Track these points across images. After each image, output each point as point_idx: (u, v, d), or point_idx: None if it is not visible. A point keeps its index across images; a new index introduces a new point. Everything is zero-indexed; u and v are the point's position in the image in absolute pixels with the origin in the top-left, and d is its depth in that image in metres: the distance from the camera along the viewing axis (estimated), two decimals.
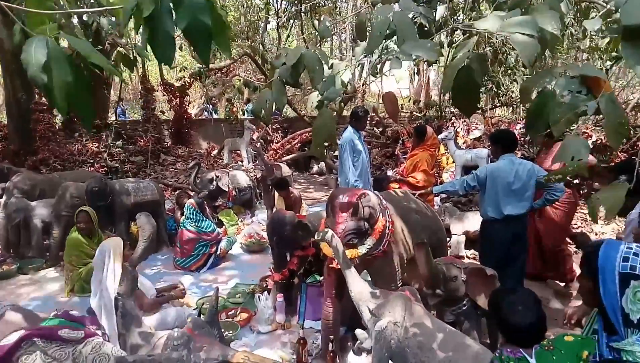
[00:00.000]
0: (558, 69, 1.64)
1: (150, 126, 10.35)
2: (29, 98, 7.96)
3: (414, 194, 4.03)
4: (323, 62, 2.06)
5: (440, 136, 6.25)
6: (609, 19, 1.99)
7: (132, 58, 3.53)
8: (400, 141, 9.29)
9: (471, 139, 7.83)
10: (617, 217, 6.24)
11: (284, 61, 2.06)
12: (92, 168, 8.24)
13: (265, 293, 3.98)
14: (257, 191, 7.31)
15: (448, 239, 4.81)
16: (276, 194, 6.04)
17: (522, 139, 7.09)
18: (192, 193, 6.18)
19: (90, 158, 8.71)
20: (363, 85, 15.18)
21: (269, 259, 4.82)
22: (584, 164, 1.46)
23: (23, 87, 7.90)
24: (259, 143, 10.29)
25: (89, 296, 4.25)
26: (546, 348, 1.69)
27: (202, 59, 1.41)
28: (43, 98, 8.41)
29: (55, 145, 8.36)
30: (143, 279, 3.79)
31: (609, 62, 6.88)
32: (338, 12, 13.62)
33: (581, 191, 6.91)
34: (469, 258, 5.08)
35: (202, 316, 3.61)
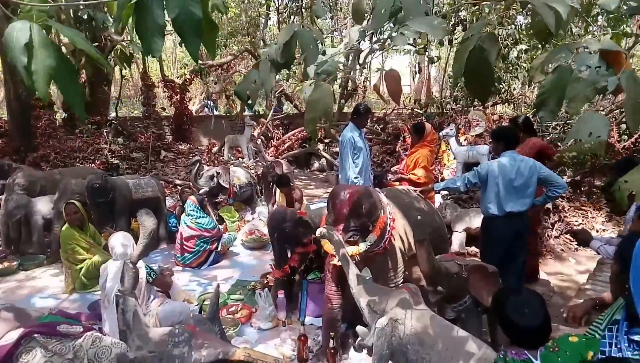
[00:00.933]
0: (575, 44, 1.55)
1: (150, 122, 10.34)
2: (30, 94, 7.94)
3: (415, 191, 4.02)
4: (318, 42, 1.91)
5: (442, 133, 6.24)
6: None
7: (128, 54, 3.53)
8: (401, 138, 9.28)
9: (472, 135, 7.81)
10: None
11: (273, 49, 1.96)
12: (92, 165, 8.22)
13: (266, 289, 3.98)
14: (258, 187, 7.30)
15: (449, 236, 4.81)
16: (277, 190, 6.04)
17: None
18: (195, 190, 6.18)
19: (90, 154, 8.70)
20: (364, 81, 15.15)
21: (270, 256, 4.83)
22: (602, 142, 1.38)
23: (23, 82, 7.88)
24: (259, 140, 10.28)
25: (90, 293, 4.32)
26: (551, 350, 1.67)
27: (191, 53, 1.37)
28: None
29: (55, 141, 8.35)
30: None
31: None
32: (339, 8, 13.57)
33: (582, 188, 6.91)
34: (470, 255, 5.07)
35: (203, 312, 3.61)
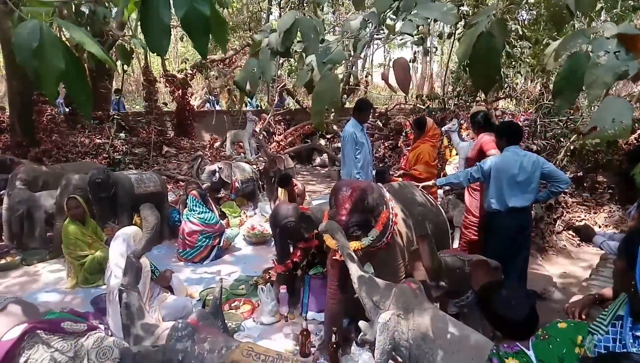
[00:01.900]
0: (591, 29, 1.50)
1: (152, 117, 10.33)
2: (32, 90, 7.94)
3: (417, 186, 4.02)
4: (319, 30, 1.86)
5: (444, 128, 6.20)
6: None
7: (129, 50, 3.51)
8: (404, 133, 9.25)
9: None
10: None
11: (267, 35, 1.92)
12: (94, 160, 8.24)
13: (269, 284, 3.99)
14: (260, 183, 7.30)
15: (451, 231, 4.79)
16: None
17: (527, 130, 7.05)
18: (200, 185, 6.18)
19: (92, 149, 8.71)
20: (366, 76, 15.12)
21: (272, 251, 4.83)
22: (627, 127, 1.31)
23: (25, 78, 7.87)
24: (261, 135, 10.27)
25: (93, 287, 4.33)
26: (542, 338, 1.70)
27: (199, 50, 1.36)
28: None
29: (58, 136, 8.36)
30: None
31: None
32: (341, 3, 13.51)
33: (585, 184, 6.90)
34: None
35: (205, 307, 3.62)
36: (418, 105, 10.50)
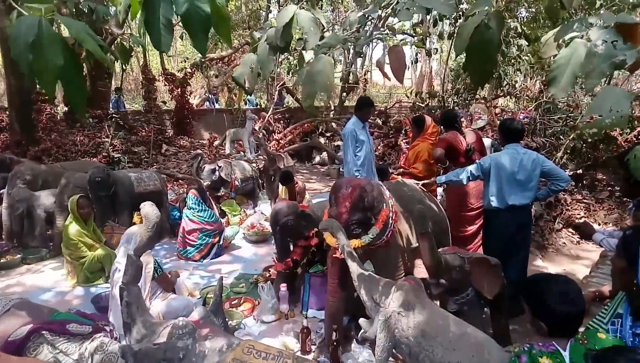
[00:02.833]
0: (590, 19, 1.48)
1: (151, 116, 10.34)
2: (31, 88, 7.94)
3: (417, 184, 4.02)
4: (319, 25, 1.82)
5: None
6: None
7: (128, 48, 3.50)
8: (403, 131, 9.26)
9: (474, 129, 7.79)
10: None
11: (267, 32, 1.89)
12: (94, 159, 8.23)
13: (269, 282, 3.99)
14: (260, 181, 7.30)
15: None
16: (280, 184, 6.04)
17: (527, 128, 7.06)
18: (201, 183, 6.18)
19: (92, 148, 8.71)
20: (365, 74, 15.11)
21: (272, 249, 4.84)
22: (625, 116, 1.30)
23: (24, 77, 7.87)
24: (261, 133, 10.27)
25: (93, 286, 4.33)
26: (580, 342, 1.64)
27: (199, 48, 1.37)
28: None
29: (57, 135, 8.35)
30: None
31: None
32: (340, 1, 13.50)
33: (584, 181, 6.90)
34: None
35: (206, 305, 3.63)
36: (417, 103, 10.50)
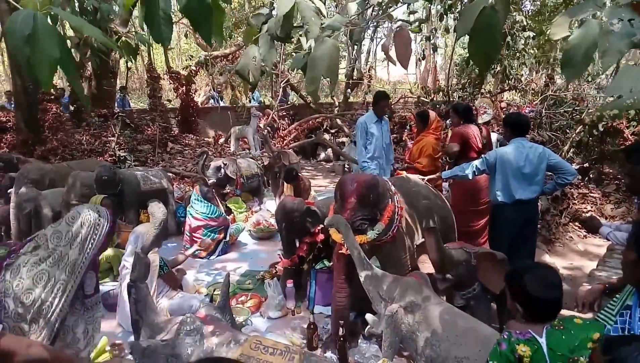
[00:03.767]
0: None
1: (157, 114, 10.36)
2: (36, 87, 7.98)
3: (422, 179, 4.02)
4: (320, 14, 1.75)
5: (449, 121, 6.18)
6: None
7: (134, 46, 3.51)
8: (408, 127, 9.24)
9: (480, 123, 7.76)
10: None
11: (263, 18, 1.86)
12: (100, 157, 8.27)
13: (275, 279, 4.01)
14: (265, 178, 7.31)
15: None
16: (285, 181, 6.05)
17: (533, 122, 7.03)
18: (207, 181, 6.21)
19: (98, 147, 8.75)
20: (369, 70, 15.08)
21: (278, 246, 4.84)
22: None
23: (30, 76, 7.91)
24: (265, 130, 10.27)
25: (101, 284, 4.35)
26: (557, 327, 1.69)
27: (204, 37, 1.38)
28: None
29: (63, 135, 8.39)
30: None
31: None
32: None
33: (591, 175, 6.87)
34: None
35: (213, 302, 3.65)
36: (422, 98, 10.47)
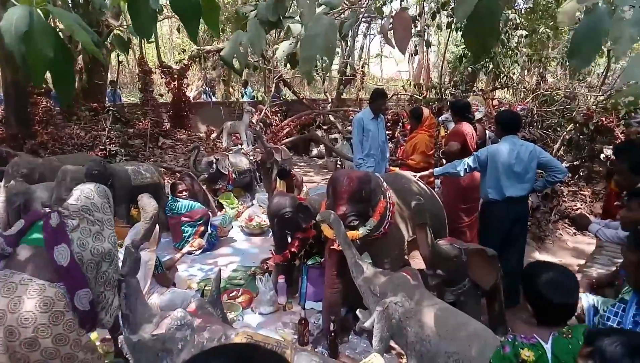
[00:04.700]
0: None
1: (148, 109, 10.28)
2: (26, 81, 7.88)
3: (414, 176, 4.03)
4: None
5: (441, 118, 6.22)
6: None
7: (125, 39, 3.48)
8: (400, 124, 9.25)
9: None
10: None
11: (253, 7, 1.78)
12: (90, 152, 8.20)
13: (267, 274, 4.01)
14: (257, 174, 7.29)
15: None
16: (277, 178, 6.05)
17: (524, 120, 7.07)
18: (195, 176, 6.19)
19: (88, 141, 8.67)
20: (362, 67, 15.08)
21: (270, 241, 4.85)
22: None
23: (20, 69, 7.82)
24: (258, 126, 10.24)
25: None
26: (564, 335, 1.66)
27: (191, 35, 1.37)
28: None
29: (53, 128, 8.31)
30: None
31: None
32: None
33: (581, 173, 6.93)
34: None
35: (204, 298, 3.64)
36: (415, 95, 10.49)
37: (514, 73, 9.94)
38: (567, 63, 9.12)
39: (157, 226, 3.23)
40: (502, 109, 7.60)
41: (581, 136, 6.86)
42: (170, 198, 5.24)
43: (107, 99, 10.85)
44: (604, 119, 6.84)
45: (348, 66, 13.39)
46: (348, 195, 3.00)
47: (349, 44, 13.48)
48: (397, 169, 5.06)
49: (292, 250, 3.85)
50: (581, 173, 6.96)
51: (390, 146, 8.98)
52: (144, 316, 2.31)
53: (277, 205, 3.84)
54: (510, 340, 1.72)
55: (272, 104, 11.75)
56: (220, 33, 13.02)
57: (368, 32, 17.28)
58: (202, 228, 5.12)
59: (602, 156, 5.44)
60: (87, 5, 3.83)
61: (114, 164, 5.74)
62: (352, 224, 3.01)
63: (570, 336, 1.64)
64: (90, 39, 1.43)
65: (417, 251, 3.12)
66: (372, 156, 5.04)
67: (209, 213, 5.40)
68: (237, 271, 4.55)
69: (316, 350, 3.13)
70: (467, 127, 4.51)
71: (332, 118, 11.34)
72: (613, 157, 5.03)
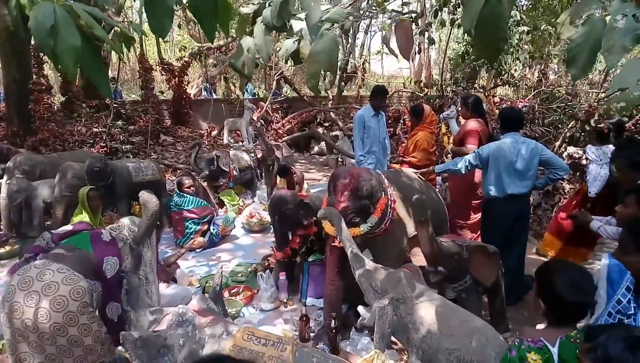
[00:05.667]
0: None
1: (149, 106, 10.28)
2: (27, 78, 7.88)
3: (415, 173, 4.02)
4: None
5: (442, 115, 6.20)
6: None
7: (128, 36, 3.48)
8: (401, 121, 9.24)
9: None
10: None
11: (255, 7, 1.81)
12: (92, 149, 8.20)
13: (268, 271, 4.01)
14: (258, 171, 7.29)
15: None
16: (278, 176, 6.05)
17: (526, 117, 7.05)
18: (196, 173, 6.20)
19: (89, 138, 8.67)
20: (363, 64, 15.05)
21: (271, 238, 4.85)
22: None
23: (21, 67, 7.82)
24: (259, 123, 10.23)
25: None
26: (572, 340, 1.63)
27: (208, 33, 1.37)
28: (41, 78, 8.34)
29: (54, 125, 8.31)
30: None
31: None
32: None
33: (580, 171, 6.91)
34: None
35: (205, 294, 3.64)
36: (416, 92, 10.47)
37: (515, 70, 9.92)
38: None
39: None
40: (504, 106, 7.59)
41: (583, 133, 6.84)
42: (176, 193, 5.25)
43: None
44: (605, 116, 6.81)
45: (349, 63, 13.36)
46: (349, 192, 3.00)
47: (349, 40, 13.45)
48: (398, 166, 5.06)
49: (293, 246, 3.85)
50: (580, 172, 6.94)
51: (391, 143, 9.00)
52: (145, 313, 2.32)
53: (278, 202, 3.84)
54: (516, 343, 1.71)
55: (273, 101, 11.74)
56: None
57: (369, 29, 17.25)
58: (205, 227, 5.13)
59: (564, 154, 5.43)
60: (89, 2, 3.83)
61: (115, 161, 5.74)
62: (353, 221, 3.01)
63: (578, 341, 1.61)
64: (109, 41, 1.47)
65: (418, 248, 3.12)
66: (373, 153, 5.04)
67: (214, 212, 5.42)
68: (238, 267, 4.55)
69: (317, 346, 3.12)
70: (480, 126, 4.45)
71: (333, 115, 11.33)
72: (576, 155, 5.06)
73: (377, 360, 2.35)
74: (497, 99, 8.83)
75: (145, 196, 2.68)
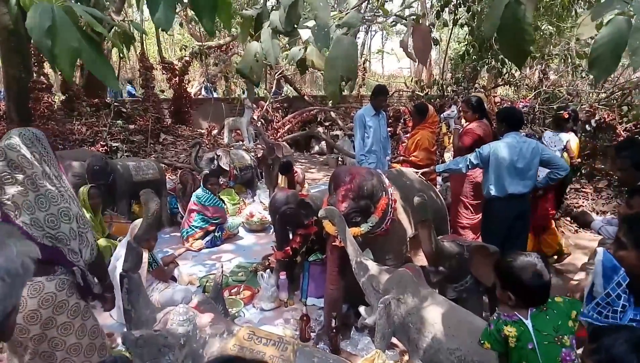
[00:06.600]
0: None
1: (149, 105, 10.27)
2: (28, 77, 7.87)
3: (416, 172, 4.02)
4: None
5: (443, 115, 6.19)
6: None
7: (129, 34, 3.48)
8: (402, 120, 9.23)
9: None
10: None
11: (259, 9, 1.79)
12: (92, 147, 8.19)
13: (268, 271, 4.01)
14: (259, 170, 7.29)
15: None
16: (279, 173, 6.05)
17: (526, 117, 7.05)
18: (196, 172, 6.20)
19: (90, 137, 8.66)
20: (363, 63, 15.04)
21: (271, 238, 4.85)
22: None
23: (21, 65, 7.81)
24: (259, 122, 10.23)
25: None
26: (540, 310, 1.80)
27: (207, 28, 1.37)
28: (42, 76, 8.33)
29: (54, 124, 8.30)
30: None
31: None
32: None
33: (583, 171, 6.92)
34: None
35: (206, 294, 3.64)
36: (417, 92, 10.47)
37: (516, 70, 9.91)
38: (569, 60, 9.10)
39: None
40: (505, 106, 7.59)
41: (583, 134, 6.85)
42: (201, 188, 5.30)
43: (108, 94, 10.83)
44: (606, 116, 6.83)
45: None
46: (350, 192, 3.00)
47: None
48: (398, 165, 5.06)
49: (294, 246, 3.85)
50: (583, 170, 6.94)
51: (392, 143, 8.99)
52: (145, 312, 2.31)
53: (279, 201, 3.83)
54: (495, 318, 1.87)
55: (274, 101, 11.74)
56: (222, 29, 13.00)
57: (369, 29, 17.24)
58: (212, 228, 5.15)
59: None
60: (89, 1, 3.82)
61: (115, 160, 5.74)
62: (354, 220, 3.00)
63: (545, 309, 1.80)
64: (112, 38, 1.47)
65: (419, 248, 3.11)
66: (374, 152, 5.04)
67: (225, 217, 5.45)
68: (238, 267, 4.55)
69: (317, 346, 3.13)
70: (481, 128, 4.43)
71: (333, 115, 11.32)
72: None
73: (377, 360, 2.35)
74: (497, 99, 8.83)
75: (146, 195, 2.67)
